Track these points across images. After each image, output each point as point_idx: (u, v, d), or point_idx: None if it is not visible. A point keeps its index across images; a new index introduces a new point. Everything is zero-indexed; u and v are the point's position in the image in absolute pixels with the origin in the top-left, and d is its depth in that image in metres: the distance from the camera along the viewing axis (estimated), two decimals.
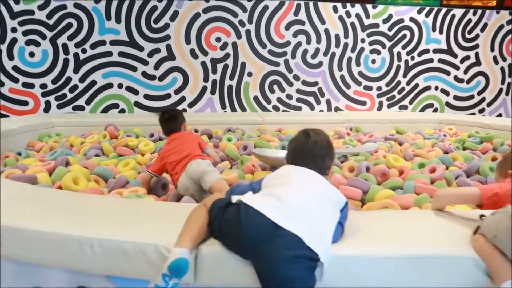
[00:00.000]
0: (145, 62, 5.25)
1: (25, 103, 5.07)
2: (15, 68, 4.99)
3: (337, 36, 5.66)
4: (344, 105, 5.87)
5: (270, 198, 1.49)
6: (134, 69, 5.24)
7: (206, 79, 5.43)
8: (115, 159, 3.28)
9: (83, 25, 5.04)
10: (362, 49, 5.75)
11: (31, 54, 5.01)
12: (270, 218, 1.39)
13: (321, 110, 5.82)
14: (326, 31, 5.63)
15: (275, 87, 5.63)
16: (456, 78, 5.99)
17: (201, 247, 1.45)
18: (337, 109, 5.85)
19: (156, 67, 5.29)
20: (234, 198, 1.51)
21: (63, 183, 2.42)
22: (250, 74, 5.54)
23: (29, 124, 4.36)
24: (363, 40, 5.72)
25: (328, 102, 5.81)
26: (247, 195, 1.56)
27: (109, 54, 5.16)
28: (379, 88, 5.88)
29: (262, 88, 5.60)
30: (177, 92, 5.39)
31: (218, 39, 5.38)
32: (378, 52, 5.79)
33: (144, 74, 5.28)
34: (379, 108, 5.87)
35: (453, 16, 5.83)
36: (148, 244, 1.44)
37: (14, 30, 4.92)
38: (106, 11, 5.06)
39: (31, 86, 5.06)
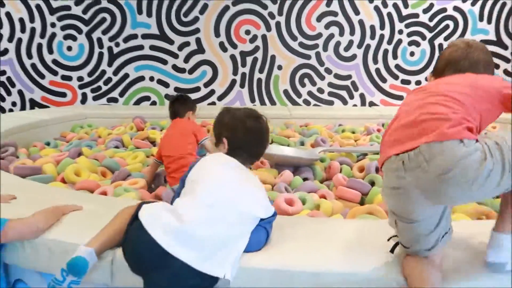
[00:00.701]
0: (175, 56, 5.32)
1: (63, 94, 5.32)
2: (54, 61, 5.25)
3: (372, 28, 5.40)
4: (379, 99, 5.61)
5: (167, 214, 1.34)
6: (164, 62, 5.33)
7: (235, 72, 5.41)
8: (130, 151, 3.34)
9: (116, 20, 5.20)
10: (399, 41, 5.44)
11: (69, 48, 5.25)
12: (158, 242, 1.25)
13: (355, 105, 5.60)
14: (361, 22, 5.39)
15: (306, 80, 5.49)
16: (506, 72, 5.51)
17: (118, 250, 1.39)
18: (371, 104, 5.60)
19: (186, 60, 5.34)
20: (143, 208, 1.37)
21: (65, 174, 2.50)
22: (280, 67, 5.44)
23: (63, 115, 4.56)
24: (400, 31, 5.41)
25: (362, 96, 5.58)
26: (159, 203, 1.45)
27: (141, 47, 5.28)
28: (418, 82, 5.55)
29: (292, 82, 5.48)
30: (206, 85, 5.42)
31: (247, 32, 5.33)
32: (418, 44, 5.46)
33: (175, 67, 5.35)
34: None
35: (504, 4, 5.35)
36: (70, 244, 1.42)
37: (53, 25, 5.17)
38: (138, 5, 5.18)
39: (69, 78, 5.30)
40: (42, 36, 5.18)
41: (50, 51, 5.23)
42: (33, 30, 5.16)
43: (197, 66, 5.37)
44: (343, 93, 5.56)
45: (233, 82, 5.44)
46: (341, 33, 5.40)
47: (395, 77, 5.53)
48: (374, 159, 3.12)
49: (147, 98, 5.41)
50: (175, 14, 5.22)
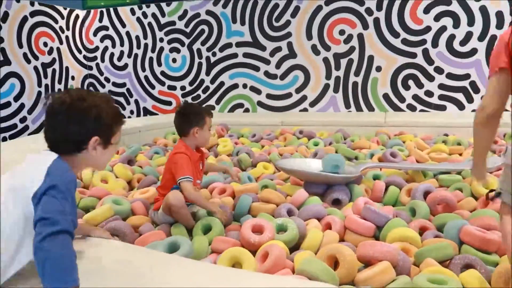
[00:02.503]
0: (267, 62, 5.23)
1: (169, 103, 5.77)
2: (162, 73, 5.74)
3: (499, 14, 4.36)
4: (510, 103, 4.48)
5: None
6: (257, 69, 5.29)
7: (328, 76, 5.03)
8: None
9: (213, 30, 5.38)
10: None
11: (174, 60, 5.66)
12: None
13: (474, 110, 4.59)
14: (483, 10, 4.40)
15: (411, 82, 4.75)
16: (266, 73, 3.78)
17: None
18: None
19: (278, 66, 5.20)
20: None
21: (92, 180, 2.66)
22: (379, 69, 4.83)
23: (156, 122, 4.93)
24: None
25: None
26: None
27: (235, 55, 5.35)
28: None
29: (393, 84, 4.82)
30: (298, 91, 5.17)
31: (341, 32, 4.89)
32: None
33: (266, 73, 5.27)
34: None
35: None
36: None
37: (161, 40, 5.65)
38: (232, 15, 5.26)
39: (174, 88, 5.72)
40: (153, 50, 5.71)
41: (159, 64, 5.72)
42: (146, 45, 5.73)
43: (288, 71, 5.17)
44: (459, 96, 4.63)
45: (326, 87, 5.06)
46: (456, 25, 4.51)
47: None
48: (446, 181, 2.50)
49: (240, 106, 5.46)
50: (267, 19, 5.14)
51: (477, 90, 4.56)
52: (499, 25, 4.38)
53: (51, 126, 1.22)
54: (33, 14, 5.20)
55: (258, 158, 3.29)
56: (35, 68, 5.25)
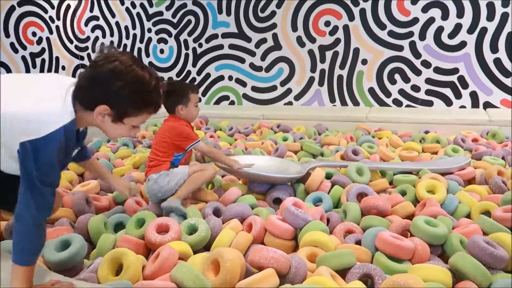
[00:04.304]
0: (252, 53, 5.12)
1: None
2: (150, 64, 5.69)
3: (490, 5, 4.13)
4: (499, 99, 4.27)
5: None
6: (242, 60, 5.19)
7: (313, 69, 4.89)
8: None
9: (200, 21, 5.30)
10: None
11: (161, 51, 5.61)
12: None
13: (463, 106, 4.40)
14: (473, 1, 4.18)
15: (397, 76, 4.57)
16: (251, 65, 3.49)
17: None
18: (487, 105, 4.31)
19: (263, 58, 5.09)
20: None
21: None
22: (364, 62, 4.67)
23: None
24: None
25: (473, 95, 4.35)
26: None
27: (221, 47, 5.26)
28: None
29: (379, 78, 4.65)
30: (283, 83, 5.06)
31: (327, 23, 4.74)
32: None
33: (252, 65, 5.16)
34: None
35: None
36: None
37: (149, 30, 5.61)
38: (218, 5, 5.16)
39: (162, 79, 5.65)
40: (141, 41, 5.68)
41: (147, 55, 5.69)
42: (134, 36, 5.70)
43: (273, 64, 5.05)
44: (447, 92, 4.43)
45: (311, 80, 4.92)
46: (445, 16, 4.30)
47: None
48: (398, 181, 2.39)
49: (226, 98, 5.38)
50: (252, 9, 5.02)
51: (465, 86, 4.36)
52: (490, 17, 4.15)
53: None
54: (21, 4, 5.22)
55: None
56: (23, 57, 5.29)
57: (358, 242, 1.75)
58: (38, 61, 5.49)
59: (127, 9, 5.65)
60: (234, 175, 2.49)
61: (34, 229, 1.18)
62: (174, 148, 2.29)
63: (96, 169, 1.94)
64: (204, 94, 5.47)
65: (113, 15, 5.75)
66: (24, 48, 5.29)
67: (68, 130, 1.19)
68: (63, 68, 5.85)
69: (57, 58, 5.75)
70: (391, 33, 4.50)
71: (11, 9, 5.11)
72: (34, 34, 5.41)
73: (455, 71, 4.36)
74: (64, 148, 1.20)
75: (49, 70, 5.65)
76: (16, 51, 5.18)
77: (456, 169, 2.61)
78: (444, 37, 4.33)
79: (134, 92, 1.22)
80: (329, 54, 4.79)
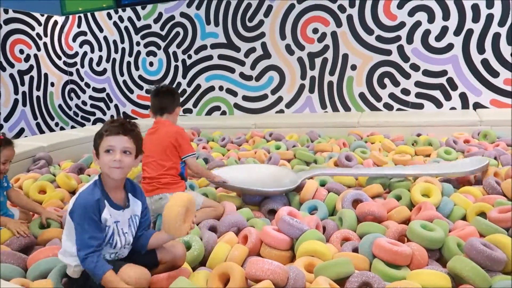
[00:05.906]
0: (242, 63, 5.13)
1: (147, 107, 5.70)
2: (140, 77, 5.68)
3: (475, 8, 4.18)
4: (489, 100, 4.30)
5: None
6: (232, 70, 5.19)
7: (303, 76, 4.90)
8: None
9: (188, 32, 5.30)
10: None
11: (151, 64, 5.60)
12: None
13: (453, 108, 4.43)
14: (458, 3, 4.23)
15: (387, 80, 4.60)
16: (241, 74, 3.55)
17: None
18: (477, 105, 4.35)
19: (253, 67, 5.09)
20: None
21: (30, 192, 2.60)
22: (354, 67, 4.69)
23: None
24: None
25: (463, 96, 4.38)
26: None
27: (210, 57, 5.26)
28: None
29: (369, 83, 4.67)
30: (273, 92, 5.06)
31: (315, 30, 4.76)
32: None
33: (242, 75, 5.17)
34: None
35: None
36: None
37: (138, 43, 5.60)
38: (206, 16, 5.17)
39: None
40: (130, 54, 5.66)
41: (137, 68, 5.67)
42: (123, 50, 5.69)
43: (263, 72, 5.06)
44: (437, 94, 4.46)
45: (302, 88, 4.93)
46: (431, 19, 4.34)
47: None
48: (393, 186, 2.38)
49: (218, 108, 5.37)
50: (240, 19, 5.03)
51: (454, 87, 4.39)
52: (475, 19, 4.20)
53: None
54: (8, 21, 5.19)
55: (213, 164, 3.20)
56: (11, 75, 5.25)
57: (356, 250, 1.74)
58: (26, 78, 5.44)
59: (115, 23, 5.65)
60: (228, 189, 2.47)
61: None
62: (177, 155, 2.20)
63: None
64: (195, 105, 5.45)
65: (101, 30, 5.74)
66: (12, 66, 5.25)
67: None
68: (52, 84, 5.82)
69: (45, 74, 5.72)
70: (379, 38, 4.54)
71: None
72: (21, 51, 5.38)
73: (443, 73, 4.39)
74: None
75: (38, 87, 5.61)
76: (3, 69, 5.14)
77: (479, 170, 2.52)
78: (432, 40, 4.37)
79: None
80: (318, 61, 4.81)
